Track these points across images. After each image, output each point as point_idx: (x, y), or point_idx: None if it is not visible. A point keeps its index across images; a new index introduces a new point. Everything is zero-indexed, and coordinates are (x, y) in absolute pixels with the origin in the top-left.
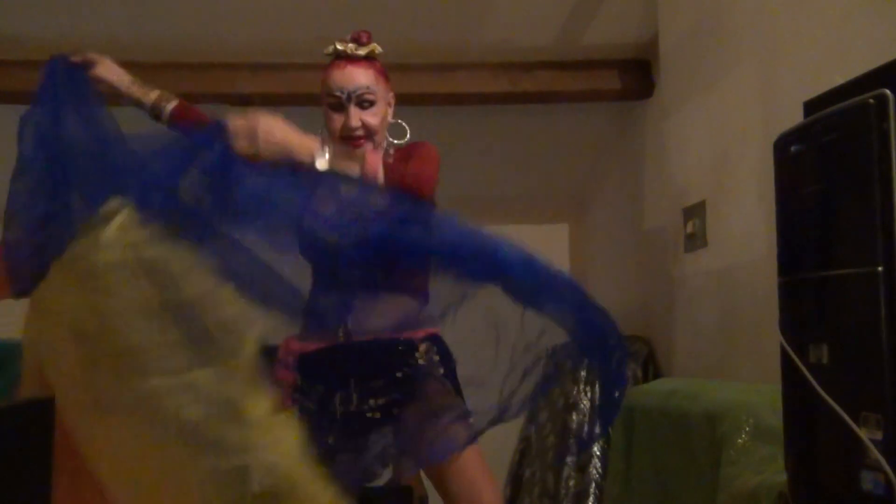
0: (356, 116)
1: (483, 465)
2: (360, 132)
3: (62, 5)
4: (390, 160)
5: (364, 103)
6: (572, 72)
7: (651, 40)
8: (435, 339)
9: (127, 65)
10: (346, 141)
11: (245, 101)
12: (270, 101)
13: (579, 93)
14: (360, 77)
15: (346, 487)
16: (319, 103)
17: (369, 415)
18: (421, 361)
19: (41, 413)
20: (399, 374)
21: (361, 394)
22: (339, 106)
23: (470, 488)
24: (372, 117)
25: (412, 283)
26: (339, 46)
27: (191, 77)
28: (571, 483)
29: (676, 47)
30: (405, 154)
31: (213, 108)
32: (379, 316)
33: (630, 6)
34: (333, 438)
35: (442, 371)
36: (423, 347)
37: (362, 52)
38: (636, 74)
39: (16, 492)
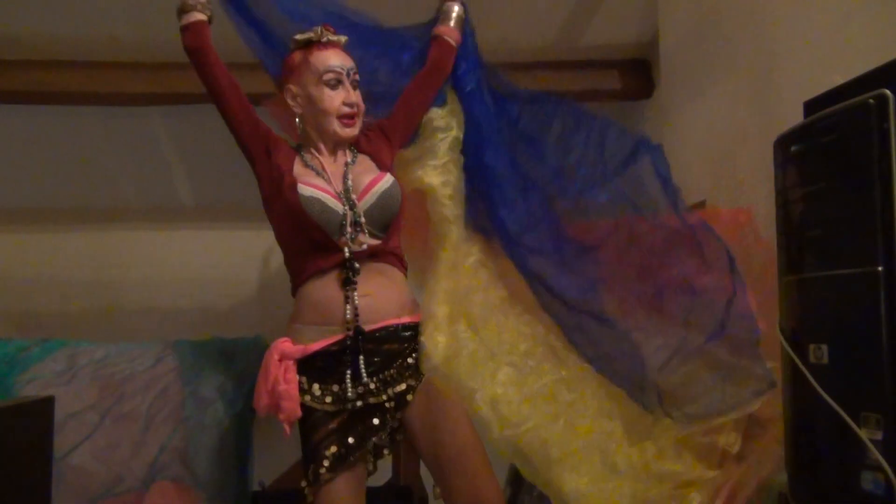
0: (353, 93)
1: (486, 460)
2: (356, 109)
3: (62, 5)
4: (369, 142)
5: (354, 83)
6: (572, 72)
7: (651, 40)
8: None
9: (127, 65)
10: (342, 119)
11: None
12: (270, 101)
13: (579, 93)
14: (349, 59)
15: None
16: None
17: (387, 405)
18: None
19: (41, 412)
20: (410, 360)
21: (377, 385)
22: (338, 83)
23: (472, 483)
24: (360, 99)
25: (397, 246)
26: (321, 31)
27: (191, 77)
28: None
29: (676, 47)
30: (373, 127)
31: (212, 109)
32: (384, 301)
33: (630, 6)
34: (353, 437)
35: None
36: None
37: (342, 39)
38: (636, 74)
39: (16, 491)
